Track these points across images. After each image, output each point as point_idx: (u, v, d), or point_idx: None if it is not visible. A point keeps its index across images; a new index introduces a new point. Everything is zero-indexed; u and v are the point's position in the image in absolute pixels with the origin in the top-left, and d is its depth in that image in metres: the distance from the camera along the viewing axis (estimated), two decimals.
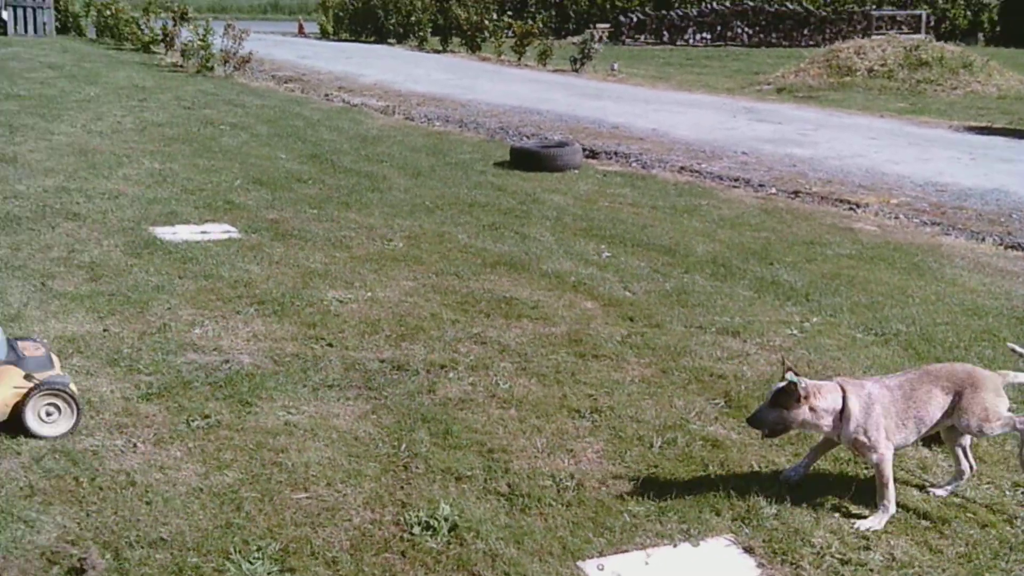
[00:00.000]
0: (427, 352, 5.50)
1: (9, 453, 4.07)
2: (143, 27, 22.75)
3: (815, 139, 14.96)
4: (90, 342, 5.29)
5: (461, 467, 4.21)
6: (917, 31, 38.13)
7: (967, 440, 4.25)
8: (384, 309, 6.18)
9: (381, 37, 34.07)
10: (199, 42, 19.25)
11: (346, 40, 35.26)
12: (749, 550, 3.74)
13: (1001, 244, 9.05)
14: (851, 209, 10.31)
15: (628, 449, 4.48)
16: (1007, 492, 4.27)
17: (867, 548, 3.78)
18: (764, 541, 3.79)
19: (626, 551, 3.70)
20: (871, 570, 3.65)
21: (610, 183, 11.02)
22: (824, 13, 41.29)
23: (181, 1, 22.57)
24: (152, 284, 6.30)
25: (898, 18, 40.65)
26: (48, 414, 4.22)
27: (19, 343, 4.46)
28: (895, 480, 4.03)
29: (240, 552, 3.49)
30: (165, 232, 7.59)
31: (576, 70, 25.58)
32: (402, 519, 3.78)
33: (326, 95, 18.03)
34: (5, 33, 23.10)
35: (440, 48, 31.42)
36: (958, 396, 4.06)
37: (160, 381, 4.85)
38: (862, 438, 3.98)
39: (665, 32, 39.86)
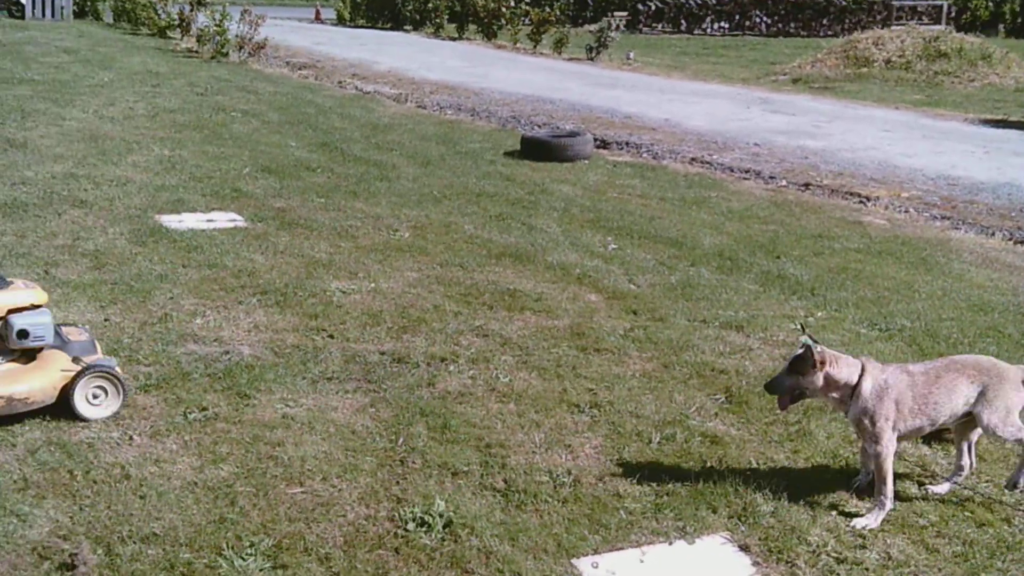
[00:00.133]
0: (428, 344, 5.50)
1: (4, 445, 4.09)
2: (160, 12, 22.76)
3: (829, 131, 14.86)
4: None
5: (458, 462, 4.21)
6: (938, 22, 37.78)
7: (975, 436, 4.23)
8: (387, 300, 6.18)
9: (398, 24, 34.02)
10: (215, 27, 19.23)
11: (363, 27, 35.22)
12: (745, 548, 3.73)
13: (1011, 239, 8.97)
14: (861, 202, 10.24)
15: (626, 445, 4.47)
16: (1005, 491, 4.23)
17: (863, 547, 3.76)
18: (760, 539, 3.77)
19: (621, 548, 3.69)
20: (867, 569, 3.63)
21: (620, 174, 10.97)
22: (844, 3, 40.94)
23: None
24: (155, 273, 6.31)
25: (919, 8, 40.26)
26: (95, 396, 4.33)
27: (63, 328, 4.58)
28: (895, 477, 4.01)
29: (233, 548, 3.49)
30: (171, 220, 7.60)
31: (591, 59, 25.48)
32: (397, 515, 3.78)
33: (339, 82, 18.01)
34: (23, 17, 23.16)
35: (456, 35, 31.34)
36: (983, 388, 4.04)
37: (159, 372, 4.86)
38: (866, 422, 3.98)
39: (683, 21, 39.66)
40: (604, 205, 9.25)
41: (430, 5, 32.74)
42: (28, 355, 4.36)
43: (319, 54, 22.91)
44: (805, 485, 4.16)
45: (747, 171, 11.57)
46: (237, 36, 19.35)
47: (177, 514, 3.68)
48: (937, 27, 32.47)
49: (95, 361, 4.38)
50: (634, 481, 4.14)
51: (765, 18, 40.43)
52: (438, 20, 32.51)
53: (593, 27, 28.77)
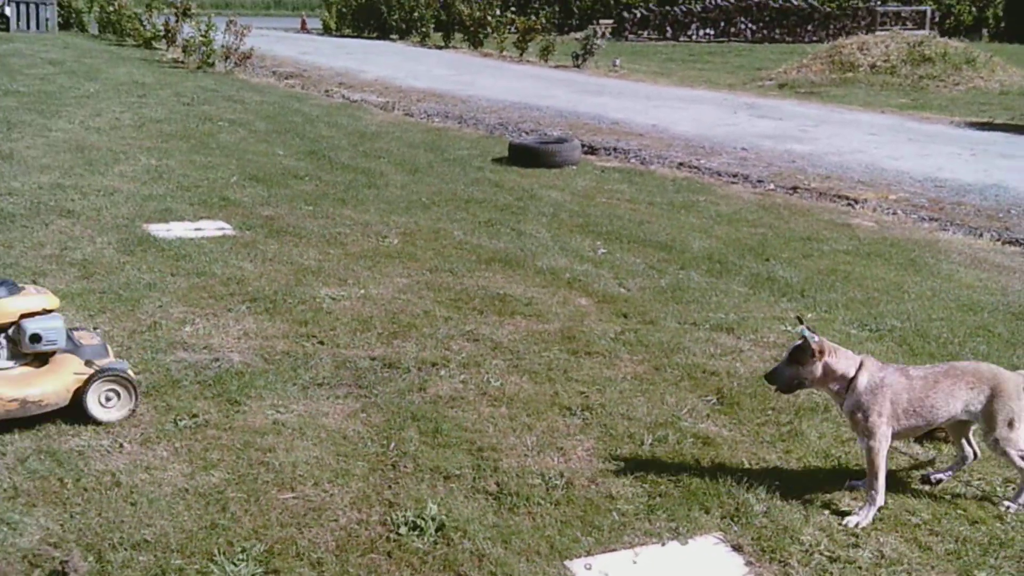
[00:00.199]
0: (419, 350, 5.49)
1: None
2: (145, 23, 22.73)
3: (815, 135, 14.91)
4: None
5: (450, 466, 4.19)
6: (921, 27, 37.99)
7: (971, 429, 4.25)
8: (377, 306, 6.16)
9: (384, 33, 34.06)
10: (201, 38, 19.22)
11: (349, 36, 35.24)
12: (738, 548, 3.72)
13: (999, 240, 9.01)
14: (849, 205, 10.28)
15: (618, 447, 4.46)
16: (998, 488, 4.24)
17: (856, 546, 3.76)
18: (753, 539, 3.77)
19: (614, 550, 3.68)
20: (860, 568, 3.63)
21: (608, 179, 10.99)
22: (828, 9, 41.13)
23: None
24: (144, 282, 6.28)
25: (903, 14, 40.47)
26: (108, 399, 4.37)
27: (75, 333, 4.62)
28: (889, 475, 4.01)
29: (224, 554, 3.47)
30: (159, 229, 7.58)
31: (578, 66, 25.52)
32: (389, 519, 3.76)
33: (326, 91, 18.01)
34: (8, 29, 23.09)
35: (442, 44, 31.40)
36: (984, 397, 4.04)
37: (148, 380, 4.83)
38: (859, 416, 4.01)
39: (668, 28, 39.75)
40: (593, 210, 9.26)
41: (416, 14, 32.80)
42: (41, 359, 4.42)
43: (305, 63, 22.90)
44: (797, 485, 4.16)
45: (735, 175, 11.59)
46: (223, 46, 19.33)
47: (168, 521, 3.65)
48: (921, 32, 32.63)
49: (107, 364, 4.43)
50: (626, 483, 4.14)
51: (750, 25, 40.56)
52: (424, 29, 32.58)
53: (579, 35, 28.83)
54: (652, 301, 6.59)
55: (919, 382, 4.06)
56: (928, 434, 4.70)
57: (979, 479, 4.33)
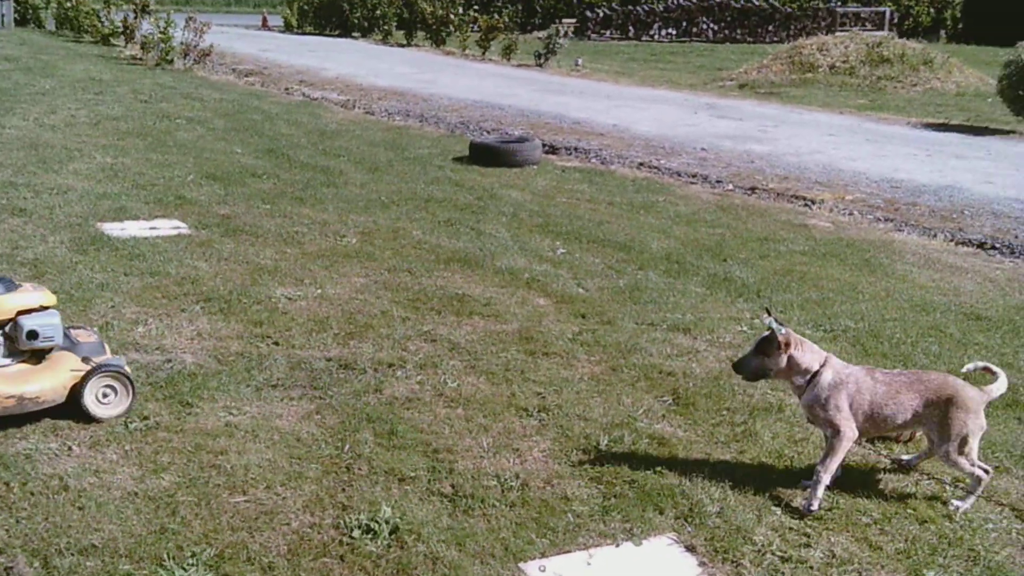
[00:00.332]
0: (375, 350, 5.46)
1: None
2: (103, 19, 22.49)
3: (775, 135, 15.02)
4: None
5: (405, 468, 4.17)
6: (881, 28, 38.40)
7: None
8: (333, 307, 6.13)
9: (346, 31, 33.92)
10: (159, 35, 19.05)
11: (310, 34, 35.05)
12: (691, 549, 3.74)
13: (952, 240, 9.13)
14: (806, 205, 10.36)
15: (574, 448, 4.47)
16: (947, 488, 4.29)
17: (808, 545, 3.79)
18: (706, 539, 3.78)
19: (568, 551, 3.68)
20: (811, 567, 3.66)
21: (568, 179, 11.00)
22: (789, 9, 41.49)
23: None
24: (96, 282, 6.20)
25: (862, 15, 40.90)
26: (104, 396, 4.40)
27: (72, 331, 4.65)
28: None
29: (174, 558, 3.43)
30: (113, 228, 7.48)
31: (540, 65, 25.55)
32: (342, 522, 3.74)
33: (286, 89, 17.89)
34: None
35: (405, 42, 31.31)
36: (939, 412, 4.08)
37: None
38: (818, 410, 4.08)
39: (631, 27, 39.92)
40: (553, 210, 9.27)
41: (378, 12, 32.69)
42: (38, 356, 4.44)
43: (266, 61, 22.75)
44: (751, 485, 4.18)
45: (694, 175, 11.65)
46: (182, 43, 19.17)
47: (117, 525, 3.61)
48: (880, 33, 32.97)
49: (104, 361, 4.45)
50: (582, 484, 4.14)
51: (712, 25, 40.82)
52: (386, 27, 32.47)
53: (541, 34, 28.85)
54: (610, 301, 6.60)
55: (882, 387, 4.11)
56: (882, 436, 4.76)
57: (928, 479, 4.37)
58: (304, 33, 35.32)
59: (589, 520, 3.87)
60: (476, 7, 34.74)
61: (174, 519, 3.67)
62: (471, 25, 29.58)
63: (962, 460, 4.08)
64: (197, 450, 4.19)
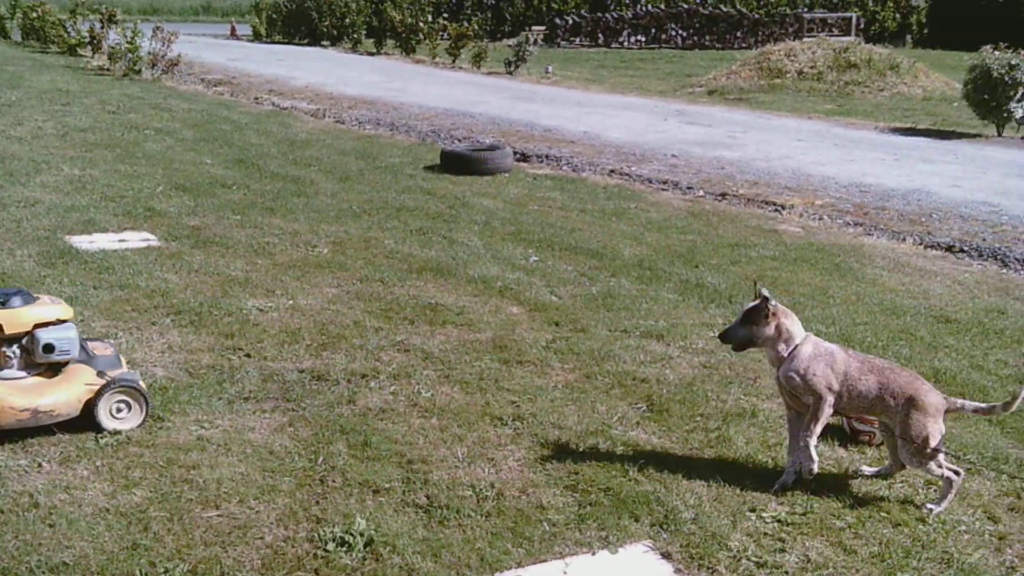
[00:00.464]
0: (348, 361, 5.43)
1: None
2: (70, 29, 22.31)
3: (744, 141, 15.11)
4: None
5: (379, 479, 4.15)
6: (847, 33, 38.76)
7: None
8: (305, 317, 6.09)
9: (315, 39, 33.81)
10: (127, 45, 18.91)
11: (279, 42, 34.92)
12: (667, 555, 3.74)
13: (921, 244, 9.21)
14: (776, 211, 10.43)
15: (549, 456, 4.46)
16: (920, 491, 4.32)
17: (783, 550, 3.80)
18: (682, 546, 3.79)
19: (544, 560, 3.67)
20: (787, 572, 3.67)
21: (540, 186, 11.01)
22: (757, 16, 41.81)
23: (110, 3, 22.14)
24: (65, 295, 6.10)
25: (829, 21, 41.28)
26: (118, 410, 4.42)
27: (89, 343, 4.69)
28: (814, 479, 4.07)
29: (146, 574, 3.39)
30: (81, 241, 7.41)
31: (510, 72, 25.59)
32: (316, 535, 3.71)
33: (255, 98, 17.81)
34: None
35: (374, 50, 31.25)
36: (902, 409, 4.14)
37: None
38: (797, 379, 4.17)
39: (600, 34, 40.06)
40: (525, 218, 9.27)
41: (347, 20, 32.61)
42: (54, 369, 4.48)
43: (235, 70, 22.64)
44: (725, 491, 4.20)
45: (665, 182, 11.70)
46: (150, 53, 19.05)
47: (88, 542, 3.56)
48: (847, 39, 33.29)
49: (119, 375, 4.46)
50: (557, 492, 4.13)
51: (681, 31, 41.04)
52: (356, 35, 32.41)
53: (511, 41, 28.93)
54: (583, 309, 6.61)
55: (856, 363, 4.24)
56: (853, 436, 4.80)
57: (902, 482, 4.40)
58: (273, 42, 35.19)
59: (565, 529, 3.87)
60: (446, 15, 34.78)
61: (146, 535, 3.63)
62: (441, 33, 29.58)
63: (929, 463, 4.13)
64: (169, 465, 4.15)
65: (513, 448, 4.53)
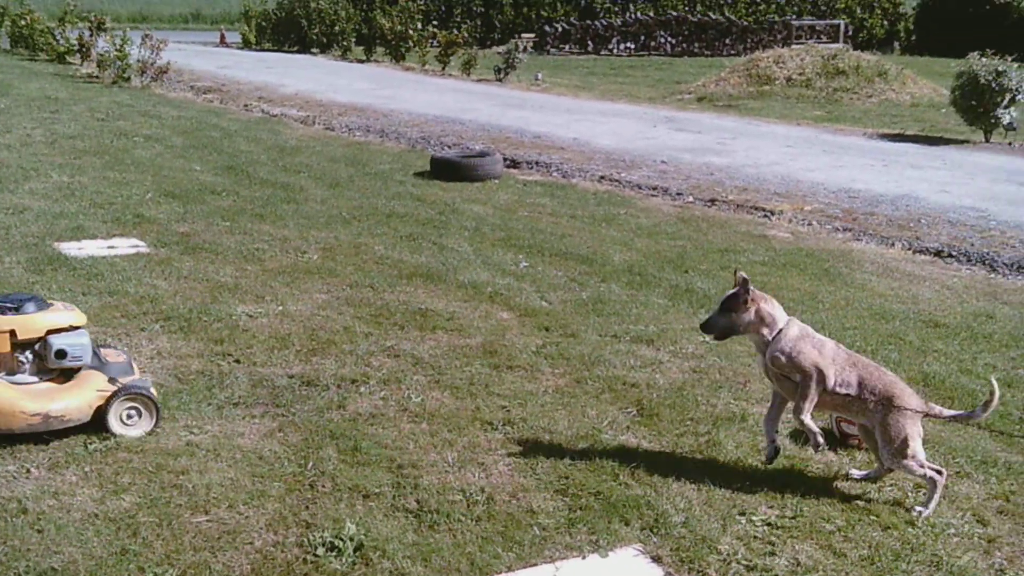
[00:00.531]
0: (338, 367, 5.43)
1: None
2: (59, 37, 22.26)
3: (733, 148, 15.15)
4: None
5: (369, 484, 4.15)
6: (836, 40, 38.88)
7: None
8: (295, 323, 6.09)
9: (304, 47, 33.77)
10: (116, 52, 18.87)
11: (269, 50, 34.86)
12: (657, 559, 3.74)
13: (909, 249, 9.25)
14: (765, 216, 10.45)
15: (540, 461, 4.46)
16: (909, 494, 4.33)
17: (773, 554, 3.81)
18: (672, 549, 3.79)
19: (535, 565, 3.67)
20: (776, 575, 3.68)
21: (530, 193, 11.03)
22: (746, 23, 41.91)
23: (99, 11, 22.10)
24: None
25: (817, 28, 41.40)
26: (129, 416, 4.46)
27: (102, 350, 4.72)
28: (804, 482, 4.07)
29: None
30: (71, 248, 7.39)
31: (500, 80, 25.60)
32: (306, 540, 3.71)
33: (245, 105, 17.79)
34: None
35: (364, 58, 31.25)
36: (880, 407, 4.16)
37: None
38: (783, 358, 4.21)
39: (590, 42, 40.11)
40: (515, 224, 9.28)
41: (337, 28, 32.58)
42: (66, 374, 4.50)
43: (224, 78, 22.61)
44: (715, 494, 4.20)
45: (655, 188, 11.72)
46: (139, 61, 19.01)
47: (77, 547, 3.55)
48: (835, 45, 33.40)
49: (130, 382, 4.50)
50: (547, 497, 4.14)
51: (670, 39, 41.12)
52: (345, 43, 32.37)
53: (501, 49, 28.89)
54: (573, 314, 6.62)
55: (843, 354, 4.30)
56: (842, 440, 4.81)
57: (891, 485, 4.41)
58: (262, 49, 35.15)
59: (555, 533, 3.87)
60: (435, 22, 34.80)
61: (135, 540, 3.62)
62: (430, 40, 29.58)
63: (910, 463, 4.16)
64: (158, 470, 4.14)
65: (503, 453, 4.53)
